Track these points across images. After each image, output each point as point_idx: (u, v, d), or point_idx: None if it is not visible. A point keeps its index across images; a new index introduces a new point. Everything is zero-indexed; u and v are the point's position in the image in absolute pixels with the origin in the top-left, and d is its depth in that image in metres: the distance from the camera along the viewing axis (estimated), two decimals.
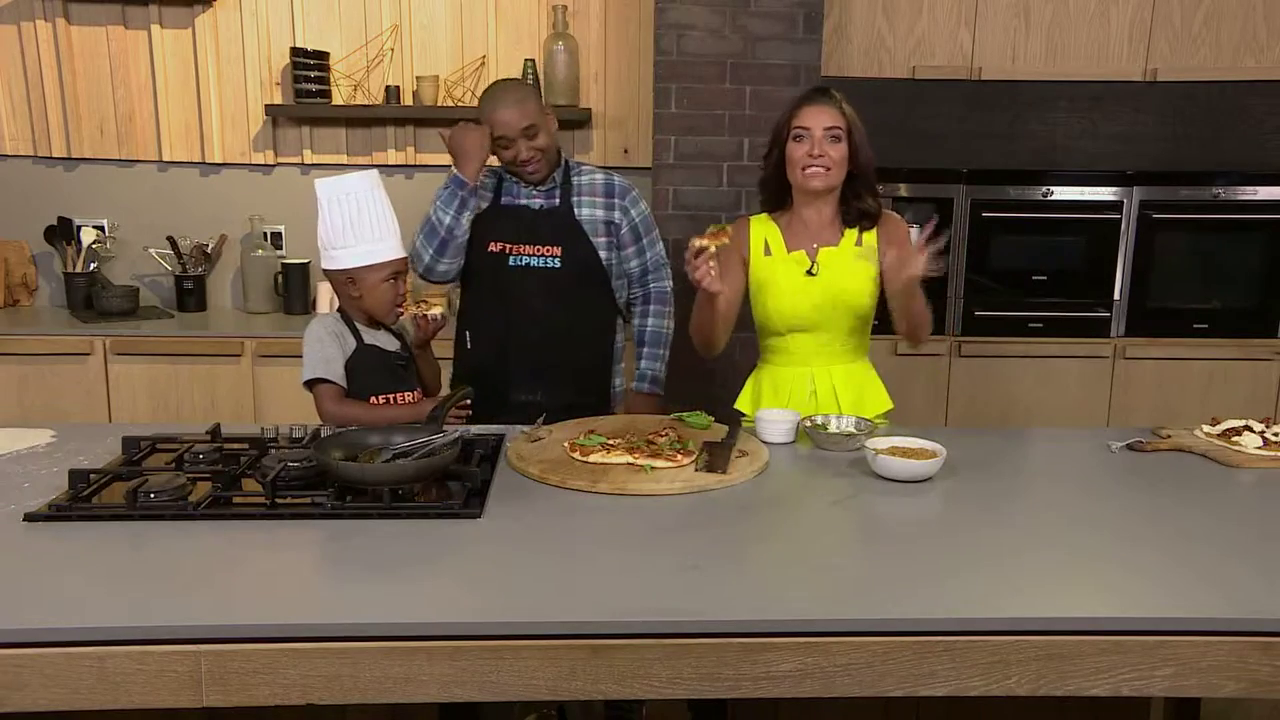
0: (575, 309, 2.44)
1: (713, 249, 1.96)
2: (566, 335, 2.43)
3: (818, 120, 2.12)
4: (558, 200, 2.44)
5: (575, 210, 2.44)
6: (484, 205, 2.43)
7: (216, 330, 3.45)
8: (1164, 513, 1.70)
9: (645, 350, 2.55)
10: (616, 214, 2.47)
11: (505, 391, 2.40)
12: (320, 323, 2.15)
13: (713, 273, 1.98)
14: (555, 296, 2.41)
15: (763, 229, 2.25)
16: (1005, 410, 3.58)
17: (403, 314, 2.20)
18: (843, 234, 2.22)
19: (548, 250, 2.41)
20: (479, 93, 3.60)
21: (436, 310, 2.24)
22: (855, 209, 2.20)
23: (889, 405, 2.27)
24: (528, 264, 2.41)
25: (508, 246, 2.41)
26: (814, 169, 2.12)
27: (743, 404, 2.32)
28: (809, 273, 2.19)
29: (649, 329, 2.55)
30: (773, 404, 2.20)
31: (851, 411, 2.16)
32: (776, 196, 2.24)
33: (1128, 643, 1.29)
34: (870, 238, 2.22)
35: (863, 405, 2.22)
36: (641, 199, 2.53)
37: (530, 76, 3.51)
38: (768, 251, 2.23)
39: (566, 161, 2.49)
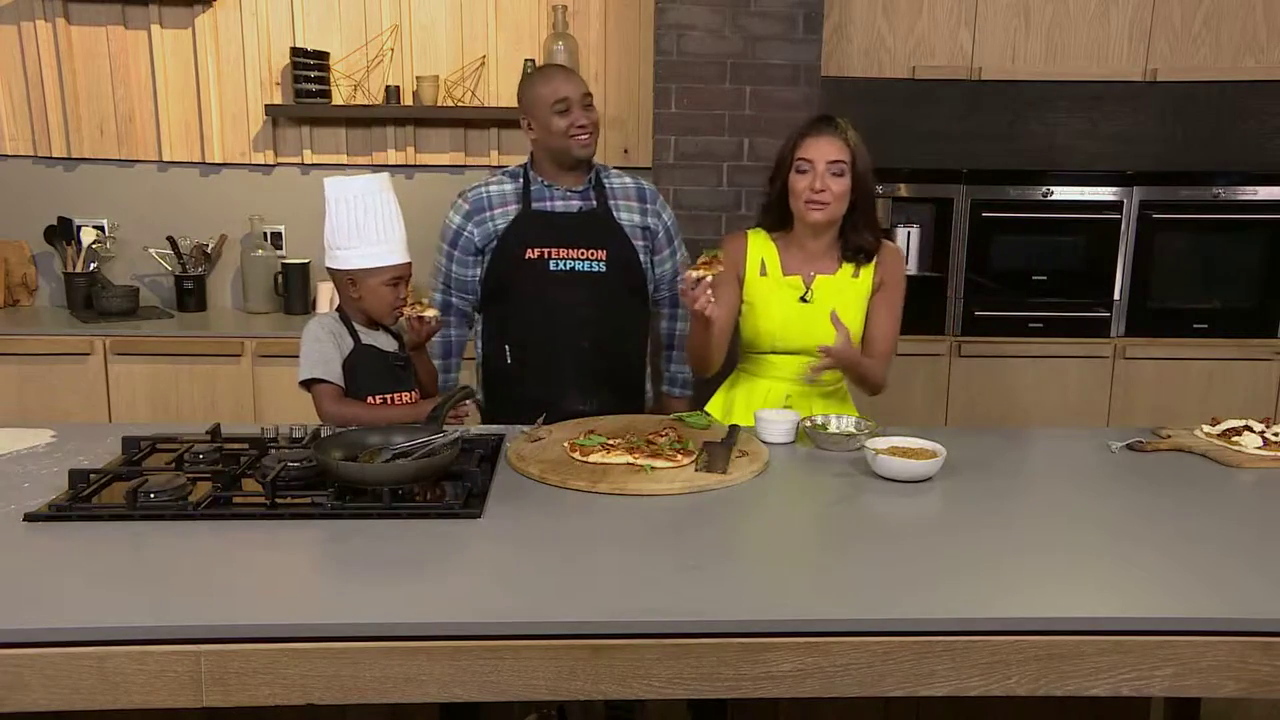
0: (622, 312, 2.40)
1: (709, 278, 1.95)
2: (614, 340, 2.38)
3: (821, 153, 2.10)
4: (594, 202, 2.39)
5: (614, 213, 2.39)
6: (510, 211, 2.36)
7: (216, 330, 3.45)
8: (1164, 513, 1.70)
9: (675, 354, 2.52)
10: (650, 218, 2.43)
11: (559, 401, 2.27)
12: (318, 322, 2.14)
13: (711, 301, 1.97)
14: (602, 300, 2.35)
15: (760, 247, 2.23)
16: (1005, 410, 3.58)
17: (401, 315, 2.19)
18: (840, 264, 2.21)
19: (592, 254, 2.34)
20: (479, 93, 3.63)
21: (431, 312, 2.23)
22: (854, 244, 2.18)
23: None
24: (572, 268, 2.33)
25: (546, 251, 2.32)
26: (814, 204, 2.11)
27: (712, 408, 2.31)
28: (803, 299, 2.18)
29: (679, 331, 2.52)
30: (746, 412, 2.19)
31: None
32: (779, 222, 2.22)
33: (1128, 643, 1.29)
34: (867, 272, 2.21)
35: None
36: (666, 203, 2.52)
37: None
38: (763, 271, 2.21)
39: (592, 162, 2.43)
